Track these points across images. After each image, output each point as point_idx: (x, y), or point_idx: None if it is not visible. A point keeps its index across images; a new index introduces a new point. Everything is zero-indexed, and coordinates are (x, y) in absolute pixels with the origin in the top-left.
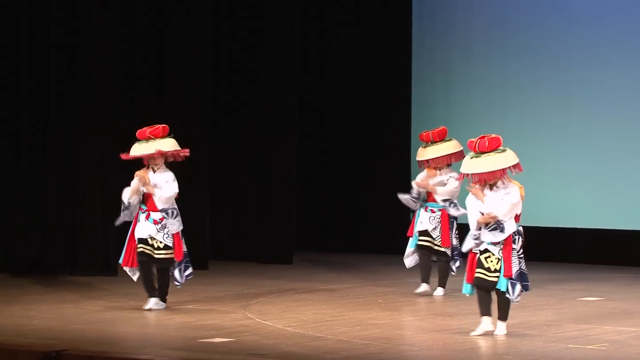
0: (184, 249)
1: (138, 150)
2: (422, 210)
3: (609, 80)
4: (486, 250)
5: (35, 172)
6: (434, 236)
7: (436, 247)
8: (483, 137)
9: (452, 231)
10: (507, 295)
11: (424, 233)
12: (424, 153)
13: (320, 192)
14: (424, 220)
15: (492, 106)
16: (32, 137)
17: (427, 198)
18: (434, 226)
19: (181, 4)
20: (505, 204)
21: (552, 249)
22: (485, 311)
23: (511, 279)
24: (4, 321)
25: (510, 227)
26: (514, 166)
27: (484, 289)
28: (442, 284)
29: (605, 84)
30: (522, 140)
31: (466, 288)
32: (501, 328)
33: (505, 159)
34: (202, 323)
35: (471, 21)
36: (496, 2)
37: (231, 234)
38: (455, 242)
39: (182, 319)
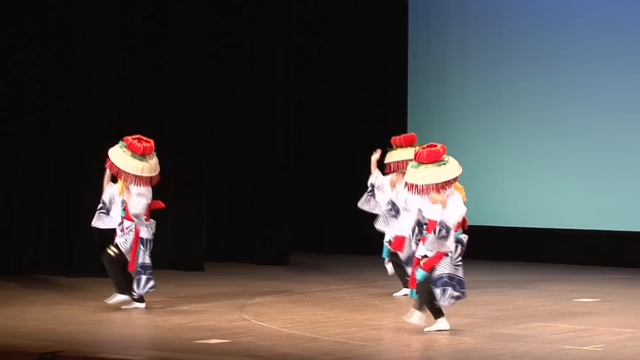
0: (143, 260)
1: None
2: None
3: (605, 78)
4: (425, 256)
5: (31, 173)
6: None
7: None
8: (427, 146)
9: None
10: (435, 299)
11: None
12: (389, 156)
13: (316, 193)
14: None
15: (487, 105)
16: (30, 138)
17: None
18: None
19: (181, 3)
20: (453, 213)
21: (548, 250)
22: (437, 314)
23: (432, 276)
24: (0, 322)
25: (451, 241)
26: (451, 181)
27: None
28: None
29: (601, 81)
30: (517, 139)
31: (412, 293)
32: (415, 317)
33: (440, 173)
34: (198, 324)
35: (466, 20)
36: (491, 0)
37: (227, 236)
38: None
39: (178, 320)
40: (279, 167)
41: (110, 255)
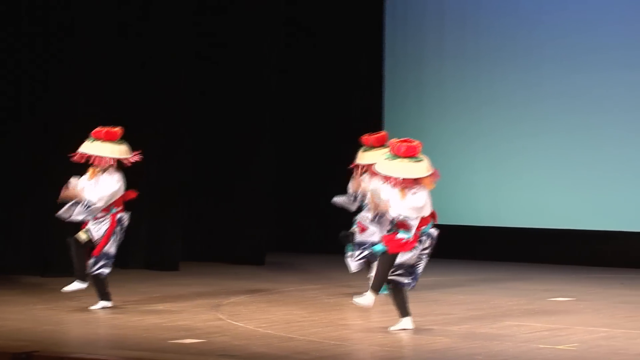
0: (109, 249)
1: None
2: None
3: (582, 76)
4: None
5: (8, 171)
6: None
7: None
8: (404, 141)
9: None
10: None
11: None
12: (362, 157)
13: (292, 193)
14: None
15: (464, 103)
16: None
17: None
18: None
19: (166, 2)
20: (409, 206)
21: (523, 249)
22: (403, 312)
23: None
24: None
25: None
26: (421, 178)
27: (393, 287)
28: None
29: (578, 79)
30: (494, 138)
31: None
32: (364, 299)
33: (415, 169)
34: (173, 324)
35: (443, 18)
36: None
37: (203, 235)
38: None
39: (153, 320)
40: (259, 167)
41: (79, 239)
